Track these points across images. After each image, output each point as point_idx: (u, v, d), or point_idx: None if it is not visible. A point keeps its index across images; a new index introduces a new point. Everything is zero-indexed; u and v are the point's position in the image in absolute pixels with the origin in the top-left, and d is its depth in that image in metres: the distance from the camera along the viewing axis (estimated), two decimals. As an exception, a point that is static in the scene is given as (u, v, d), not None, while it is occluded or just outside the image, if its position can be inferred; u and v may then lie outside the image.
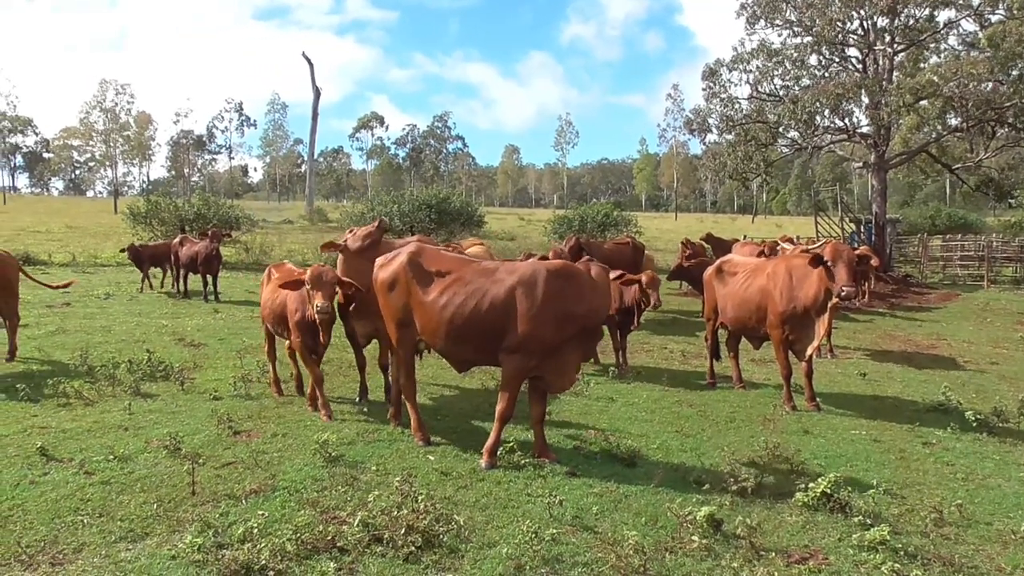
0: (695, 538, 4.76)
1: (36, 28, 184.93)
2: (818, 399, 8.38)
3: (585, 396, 8.55)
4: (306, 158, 79.29)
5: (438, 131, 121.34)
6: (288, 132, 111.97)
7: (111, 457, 6.03)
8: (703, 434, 7.27)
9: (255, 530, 4.63)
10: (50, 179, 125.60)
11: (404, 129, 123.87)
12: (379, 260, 6.93)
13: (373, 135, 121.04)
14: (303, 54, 60.79)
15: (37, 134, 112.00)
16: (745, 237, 24.19)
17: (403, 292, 6.56)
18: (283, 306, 7.59)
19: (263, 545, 4.45)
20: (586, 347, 6.39)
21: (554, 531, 4.79)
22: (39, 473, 5.73)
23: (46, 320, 12.71)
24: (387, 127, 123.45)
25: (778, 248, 11.40)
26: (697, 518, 4.92)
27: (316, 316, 6.95)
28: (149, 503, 5.22)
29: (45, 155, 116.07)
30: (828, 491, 5.37)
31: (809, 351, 8.20)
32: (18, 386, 7.92)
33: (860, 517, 5.12)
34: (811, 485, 5.46)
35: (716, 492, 5.56)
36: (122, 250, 18.12)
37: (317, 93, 60.83)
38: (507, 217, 61.18)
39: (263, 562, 4.30)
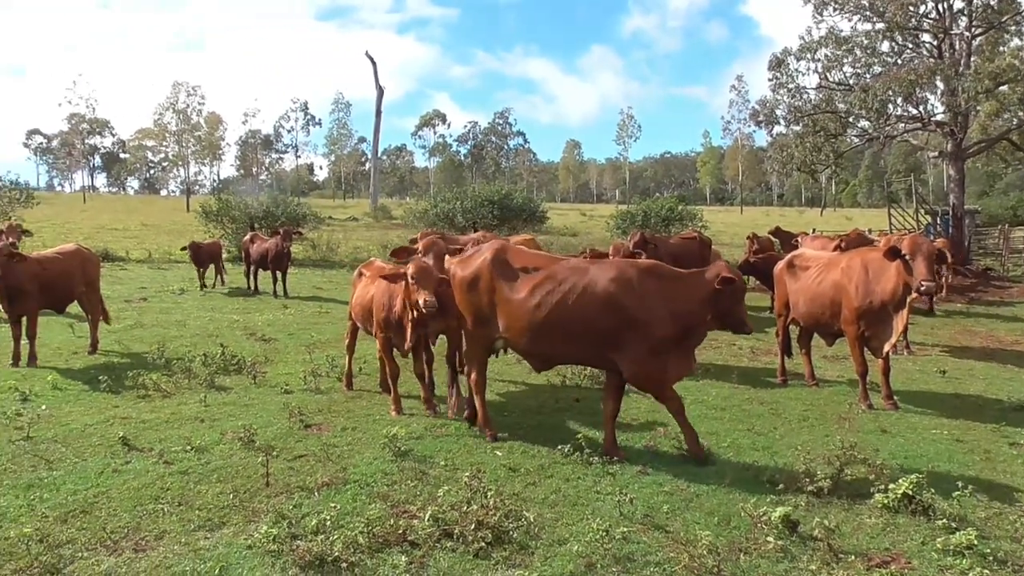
0: (770, 539, 4.64)
1: (112, 32, 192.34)
2: (896, 397, 8.09)
3: (652, 393, 8.43)
4: (370, 156, 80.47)
5: (499, 127, 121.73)
6: (352, 131, 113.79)
7: (188, 448, 6.21)
8: (775, 432, 7.09)
9: (328, 522, 4.70)
10: (126, 179, 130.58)
11: (466, 126, 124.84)
12: (457, 258, 6.91)
13: (435, 133, 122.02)
14: (366, 53, 61.69)
15: (114, 135, 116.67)
16: (814, 231, 23.56)
17: (486, 290, 6.49)
18: (372, 301, 7.65)
19: (336, 537, 4.50)
20: (689, 347, 6.29)
21: (625, 529, 4.72)
22: (121, 462, 5.93)
23: (125, 315, 13.17)
24: (449, 124, 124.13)
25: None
26: (772, 518, 4.79)
27: (424, 311, 6.78)
28: (225, 493, 5.35)
29: (121, 156, 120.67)
30: (910, 492, 5.17)
31: (886, 348, 7.93)
32: (100, 378, 8.24)
33: (944, 520, 4.92)
34: (891, 486, 5.26)
35: (791, 492, 5.42)
36: (183, 248, 18.12)
37: (380, 92, 61.63)
38: (569, 213, 60.99)
39: (336, 554, 4.35)
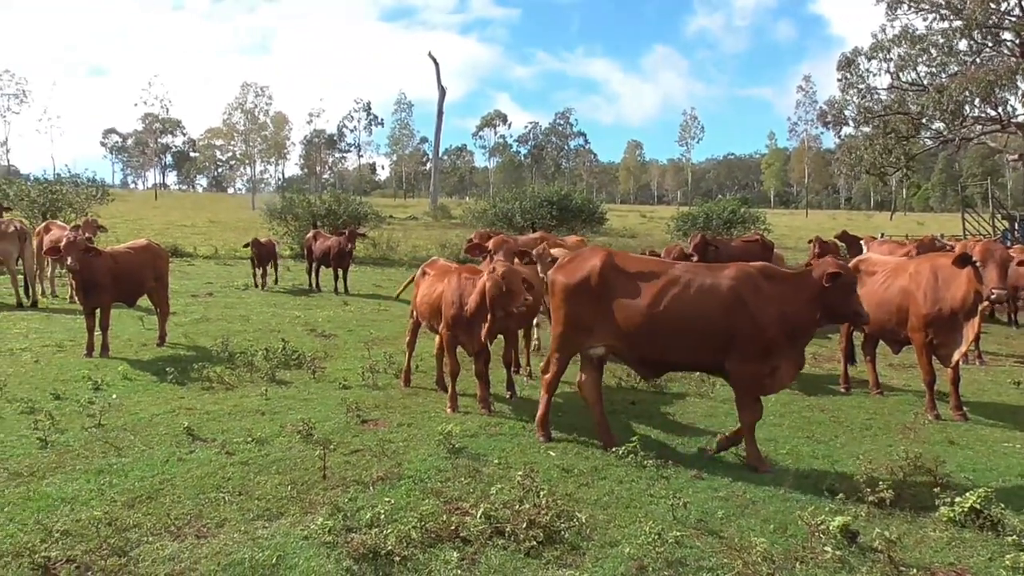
0: (828, 549, 4.52)
1: (186, 35, 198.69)
2: (965, 408, 7.81)
3: (711, 398, 8.32)
4: (431, 156, 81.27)
5: (560, 128, 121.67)
6: (414, 131, 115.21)
7: (249, 439, 6.37)
8: (836, 441, 6.92)
9: (382, 516, 4.76)
10: (195, 176, 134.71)
11: (526, 127, 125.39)
12: (556, 263, 6.72)
13: (496, 133, 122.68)
14: (429, 54, 62.32)
15: (185, 135, 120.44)
16: (882, 235, 22.90)
17: (596, 296, 6.27)
18: (440, 300, 7.71)
19: (389, 531, 4.57)
20: (798, 348, 6.22)
21: (678, 533, 4.66)
22: (186, 451, 6.12)
23: (191, 309, 13.58)
24: (510, 125, 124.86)
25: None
26: (830, 528, 4.68)
27: (519, 310, 6.94)
28: (284, 485, 5.47)
29: (191, 154, 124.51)
30: (977, 506, 4.98)
31: (956, 356, 7.66)
32: (167, 370, 8.51)
33: (1014, 536, 4.73)
34: (958, 499, 5.08)
35: (851, 502, 5.28)
36: (245, 245, 18.05)
37: (442, 92, 62.20)
38: (628, 214, 60.56)
39: (389, 547, 4.41)
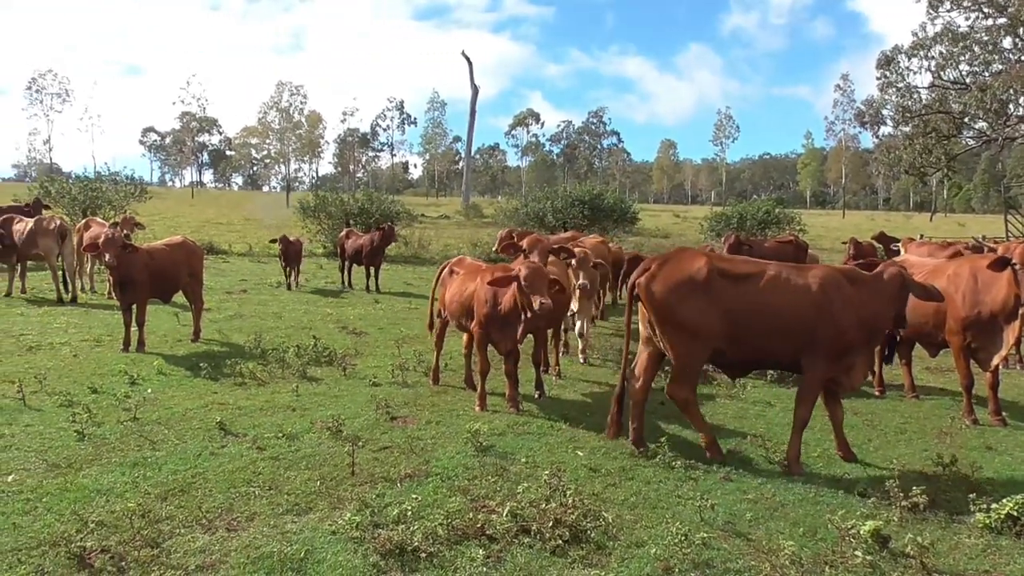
0: (858, 553, 4.46)
1: (222, 34, 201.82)
2: (1005, 413, 7.64)
3: (741, 399, 8.25)
4: (463, 155, 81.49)
5: (593, 127, 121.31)
6: (447, 129, 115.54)
7: (280, 435, 6.45)
8: (869, 444, 6.81)
9: (409, 513, 4.79)
10: (231, 175, 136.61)
11: (559, 125, 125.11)
12: (647, 264, 6.44)
13: (528, 132, 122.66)
14: (462, 53, 62.55)
15: (221, 133, 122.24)
16: (921, 236, 22.49)
17: (705, 299, 6.03)
18: (471, 298, 7.73)
19: (416, 528, 4.59)
20: (873, 347, 6.36)
21: (705, 535, 4.63)
22: (218, 446, 6.21)
23: (226, 305, 13.77)
24: (542, 124, 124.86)
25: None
26: (861, 532, 4.61)
27: (539, 313, 6.90)
28: (313, 480, 5.53)
29: (227, 153, 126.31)
30: (1015, 513, 4.88)
31: (995, 361, 7.50)
32: (201, 365, 8.65)
33: (1053, 545, 4.62)
34: (994, 506, 4.98)
35: (883, 506, 5.20)
36: (273, 240, 17.62)
37: (475, 91, 62.37)
38: (661, 214, 60.20)
39: (416, 544, 4.44)
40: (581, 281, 9.07)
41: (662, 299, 6.13)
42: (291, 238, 17.26)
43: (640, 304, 6.39)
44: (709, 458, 6.19)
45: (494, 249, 14.84)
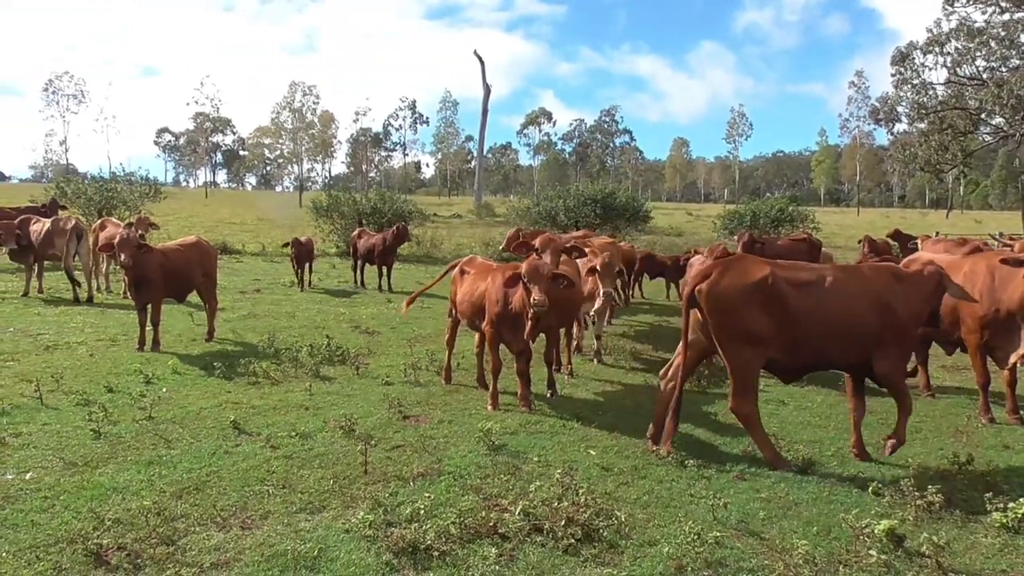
0: (873, 552, 4.43)
1: (236, 35, 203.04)
2: (1022, 412, 7.58)
3: (754, 397, 8.21)
4: (475, 154, 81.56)
5: (605, 125, 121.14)
6: (459, 129, 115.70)
7: (293, 434, 6.49)
8: (884, 443, 6.76)
9: (422, 511, 4.81)
10: (244, 175, 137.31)
11: (571, 124, 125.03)
12: (707, 270, 6.27)
13: (540, 131, 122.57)
14: (475, 52, 62.61)
15: (235, 133, 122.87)
16: (937, 233, 22.32)
17: (769, 307, 5.93)
18: (483, 298, 7.74)
19: (429, 526, 4.61)
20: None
21: (717, 534, 4.62)
22: (232, 444, 6.25)
23: (239, 305, 13.85)
24: (554, 123, 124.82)
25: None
26: (876, 531, 4.58)
27: (533, 309, 6.92)
28: (326, 479, 5.55)
29: (241, 153, 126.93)
30: (1032, 513, 4.84)
31: (1013, 359, 7.42)
32: (215, 364, 8.70)
33: (1071, 545, 4.58)
34: (1011, 505, 4.95)
35: (898, 505, 5.17)
36: (285, 244, 17.57)
37: (487, 90, 62.40)
38: (675, 212, 60.05)
39: (428, 542, 4.45)
40: (605, 289, 9.02)
41: (726, 306, 5.98)
42: (302, 239, 17.15)
43: (695, 311, 6.23)
44: (767, 462, 6.08)
45: (501, 248, 14.85)
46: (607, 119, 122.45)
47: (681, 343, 6.32)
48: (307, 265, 16.91)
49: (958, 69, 24.06)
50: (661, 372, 6.64)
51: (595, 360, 10.02)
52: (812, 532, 4.83)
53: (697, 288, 6.08)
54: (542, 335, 8.03)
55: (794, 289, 6.00)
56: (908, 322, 6.14)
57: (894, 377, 6.22)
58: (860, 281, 6.16)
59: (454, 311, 8.48)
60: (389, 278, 17.22)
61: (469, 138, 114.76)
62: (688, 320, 6.21)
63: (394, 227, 17.63)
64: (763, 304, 5.94)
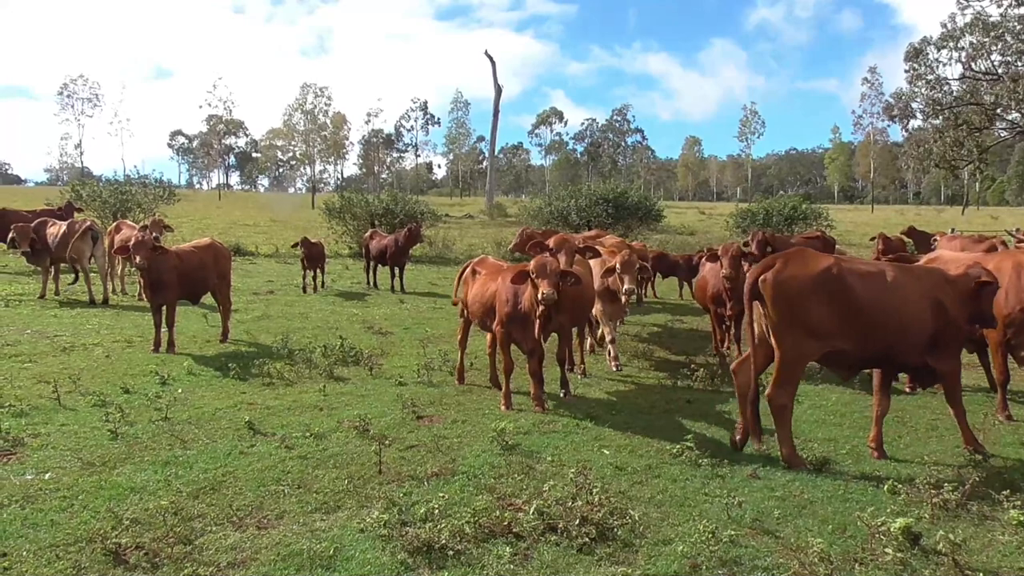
0: (888, 551, 4.40)
1: (246, 37, 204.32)
2: (1041, 409, 7.52)
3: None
4: (487, 155, 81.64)
5: (617, 124, 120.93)
6: (470, 129, 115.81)
7: (308, 434, 6.52)
8: (900, 441, 6.72)
9: (436, 511, 4.82)
10: (257, 177, 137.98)
11: (583, 123, 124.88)
12: (770, 260, 6.23)
13: (552, 130, 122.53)
14: (486, 52, 62.60)
15: (247, 136, 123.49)
16: (952, 230, 22.16)
17: (831, 295, 5.92)
18: (493, 298, 7.76)
19: (443, 526, 4.62)
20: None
21: (732, 532, 4.61)
22: (247, 445, 6.29)
23: (253, 306, 13.93)
24: (566, 122, 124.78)
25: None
26: (891, 529, 4.55)
27: (541, 304, 6.96)
28: (341, 479, 5.58)
29: (253, 155, 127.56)
30: (1050, 510, 4.80)
31: (1034, 356, 7.37)
32: (230, 365, 8.76)
33: (1089, 543, 4.54)
34: (1029, 503, 4.91)
35: (914, 503, 5.14)
36: (294, 245, 17.17)
37: (498, 91, 62.39)
38: (687, 211, 59.88)
39: (443, 541, 4.46)
40: (627, 286, 8.73)
41: (789, 296, 5.96)
42: (312, 240, 16.98)
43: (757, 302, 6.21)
44: (784, 458, 6.05)
45: (511, 248, 14.83)
46: (619, 118, 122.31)
47: (747, 337, 6.37)
48: (318, 267, 16.73)
49: (973, 64, 23.87)
50: (732, 367, 6.62)
51: (615, 367, 9.45)
52: (827, 530, 4.81)
53: (761, 278, 6.05)
54: (554, 335, 8.04)
55: (858, 280, 6.00)
56: (960, 321, 6.14)
57: (954, 375, 6.25)
58: (916, 278, 6.16)
59: (466, 311, 8.50)
60: (402, 279, 17.27)
61: (481, 138, 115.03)
62: (752, 313, 6.22)
63: (406, 228, 17.66)
64: (827, 295, 5.92)
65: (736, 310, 9.55)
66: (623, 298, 8.93)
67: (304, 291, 16.12)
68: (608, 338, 9.74)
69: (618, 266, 8.80)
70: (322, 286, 16.81)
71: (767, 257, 6.47)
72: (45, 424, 6.68)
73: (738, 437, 6.40)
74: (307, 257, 16.40)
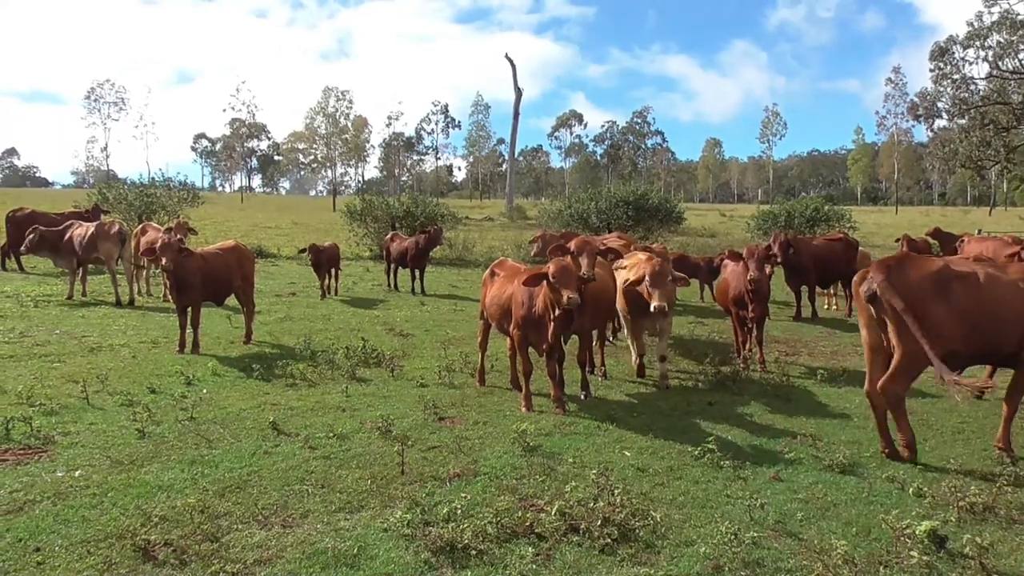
0: (914, 554, 4.38)
1: (268, 41, 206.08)
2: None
3: (791, 400, 8.15)
4: (507, 157, 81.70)
5: (637, 127, 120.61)
6: (490, 132, 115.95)
7: (331, 435, 6.57)
8: (925, 444, 6.66)
9: (458, 511, 4.86)
10: (279, 180, 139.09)
11: (603, 126, 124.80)
12: (885, 264, 6.25)
13: (571, 133, 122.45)
14: (506, 56, 62.64)
15: (270, 139, 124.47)
16: (979, 232, 21.88)
17: (949, 298, 5.98)
18: (510, 300, 7.79)
19: (466, 526, 4.65)
20: None
21: (755, 534, 4.61)
22: (271, 445, 6.35)
23: (276, 308, 14.05)
24: (585, 124, 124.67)
25: None
26: (917, 532, 4.53)
27: (566, 307, 6.91)
28: (364, 479, 5.63)
29: (275, 158, 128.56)
30: (1078, 515, 4.76)
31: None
32: (253, 366, 8.85)
33: (1119, 548, 4.48)
34: (1058, 507, 4.86)
35: (940, 506, 5.11)
36: (302, 250, 16.73)
37: (519, 94, 62.43)
38: (707, 213, 59.58)
39: (466, 541, 4.49)
40: (657, 303, 7.77)
41: (913, 297, 6.00)
42: (323, 244, 16.57)
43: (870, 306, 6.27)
44: (906, 459, 6.12)
45: (532, 254, 14.84)
46: (639, 120, 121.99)
47: (865, 347, 6.48)
48: (332, 271, 16.37)
49: (1000, 63, 23.58)
50: (866, 388, 6.53)
51: (665, 386, 8.66)
52: (851, 533, 4.79)
53: (879, 282, 6.09)
54: (574, 336, 8.06)
55: (963, 282, 6.02)
56: None
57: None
58: (1013, 277, 6.13)
59: (485, 313, 8.53)
60: (422, 281, 17.33)
61: (500, 141, 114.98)
62: (869, 320, 6.31)
63: (426, 231, 17.69)
64: (942, 296, 5.98)
65: (759, 312, 9.51)
66: (654, 310, 7.92)
67: (322, 295, 15.81)
68: (634, 356, 9.22)
69: (647, 278, 7.97)
70: (333, 292, 16.30)
71: (879, 261, 6.46)
72: (75, 423, 6.79)
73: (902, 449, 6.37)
74: (315, 264, 16.03)
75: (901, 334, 6.06)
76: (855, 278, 6.60)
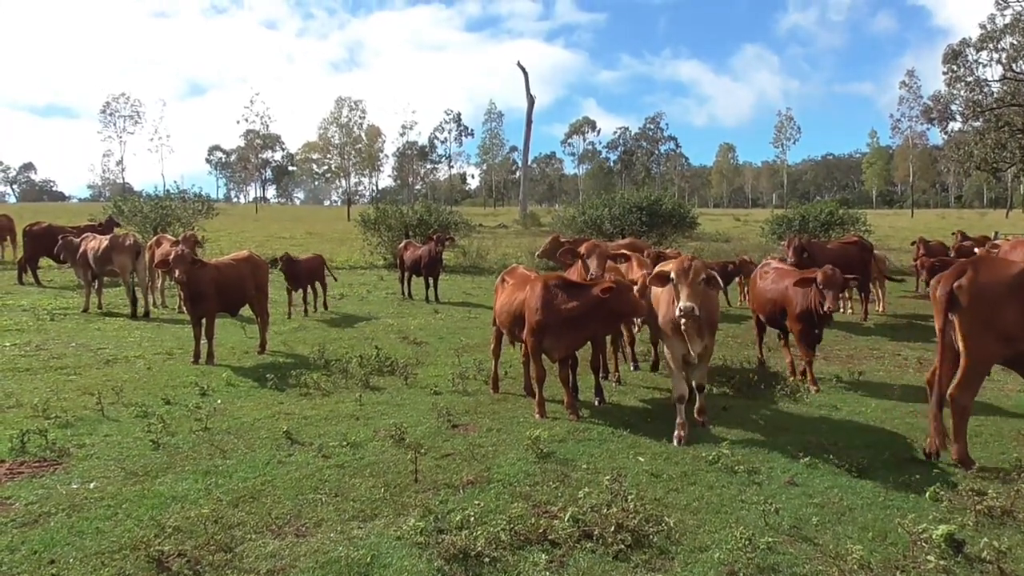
0: (931, 558, 4.33)
1: (280, 53, 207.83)
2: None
3: (806, 404, 8.09)
4: (520, 165, 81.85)
5: (650, 132, 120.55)
6: (503, 140, 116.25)
7: (344, 443, 6.58)
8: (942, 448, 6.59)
9: (472, 518, 4.85)
10: (293, 190, 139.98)
11: (615, 132, 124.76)
12: (961, 268, 6.17)
13: (584, 140, 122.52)
14: (518, 63, 62.83)
15: (284, 149, 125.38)
16: (996, 235, 21.68)
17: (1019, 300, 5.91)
18: (521, 307, 7.79)
19: (479, 533, 4.64)
20: None
21: (770, 539, 4.57)
22: (285, 454, 6.37)
23: (289, 318, 14.09)
24: (598, 131, 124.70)
25: None
26: (934, 536, 4.48)
27: (680, 318, 6.47)
28: (377, 487, 5.63)
29: (290, 168, 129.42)
30: (1099, 519, 4.69)
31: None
32: (267, 376, 8.89)
33: None
34: (1077, 511, 4.79)
35: (957, 510, 5.05)
36: (273, 261, 15.04)
37: (531, 101, 62.59)
38: (721, 218, 59.38)
39: (479, 549, 4.49)
40: (684, 303, 6.41)
41: (986, 300, 5.96)
42: (297, 257, 15.21)
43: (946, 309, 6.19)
44: (956, 456, 6.09)
45: (538, 254, 14.82)
46: (652, 126, 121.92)
47: (939, 346, 6.37)
48: (310, 287, 14.70)
49: (1014, 65, 23.39)
50: (927, 378, 6.62)
51: (700, 421, 7.35)
52: (867, 537, 4.74)
53: (957, 285, 6.04)
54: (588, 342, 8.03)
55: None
56: None
57: None
58: None
59: (496, 321, 8.53)
60: (436, 289, 17.35)
61: (514, 148, 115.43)
62: (944, 323, 6.22)
63: (433, 237, 17.62)
64: (1011, 300, 5.91)
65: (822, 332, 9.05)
66: (682, 322, 6.59)
67: (304, 314, 14.39)
68: (675, 393, 7.10)
69: (673, 275, 6.65)
70: (315, 310, 14.80)
71: (955, 265, 6.39)
72: (90, 435, 6.84)
73: (934, 448, 6.33)
74: (289, 276, 14.46)
75: (967, 343, 5.99)
76: (932, 282, 6.57)
